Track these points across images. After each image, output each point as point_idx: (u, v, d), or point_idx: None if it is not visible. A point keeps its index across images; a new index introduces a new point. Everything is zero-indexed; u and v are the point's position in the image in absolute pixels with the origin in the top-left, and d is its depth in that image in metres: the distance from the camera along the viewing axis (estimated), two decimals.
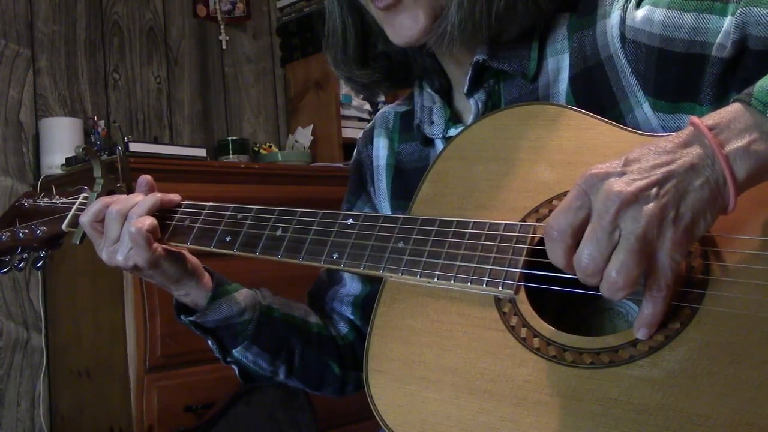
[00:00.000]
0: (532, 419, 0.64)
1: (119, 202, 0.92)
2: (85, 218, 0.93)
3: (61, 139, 2.42)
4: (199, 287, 0.96)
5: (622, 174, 0.58)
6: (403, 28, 0.84)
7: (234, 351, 0.99)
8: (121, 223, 0.90)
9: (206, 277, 0.97)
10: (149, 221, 0.89)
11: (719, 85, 0.71)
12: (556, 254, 0.61)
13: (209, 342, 0.99)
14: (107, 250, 0.92)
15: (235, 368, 1.03)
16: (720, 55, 0.70)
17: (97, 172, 1.00)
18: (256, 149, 2.93)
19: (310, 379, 1.04)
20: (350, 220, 0.83)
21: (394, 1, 0.83)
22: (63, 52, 2.64)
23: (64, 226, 0.99)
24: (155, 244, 0.90)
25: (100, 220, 0.93)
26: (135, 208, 0.90)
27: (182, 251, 0.94)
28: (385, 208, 1.04)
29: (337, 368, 1.04)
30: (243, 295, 0.99)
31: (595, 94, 0.80)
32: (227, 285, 0.98)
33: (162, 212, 0.94)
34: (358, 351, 1.05)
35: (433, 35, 0.84)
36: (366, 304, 1.04)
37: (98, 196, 0.98)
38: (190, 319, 0.96)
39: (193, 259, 0.97)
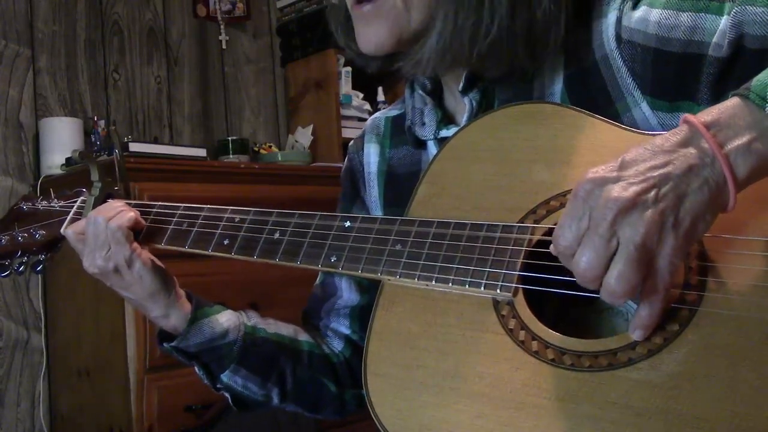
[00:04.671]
0: (530, 423, 0.64)
1: (101, 211, 0.94)
2: (69, 229, 0.96)
3: (61, 139, 2.41)
4: (177, 308, 0.94)
5: (618, 179, 0.57)
6: (366, 39, 0.85)
7: (222, 376, 0.97)
8: (104, 226, 0.91)
9: (184, 300, 0.96)
10: (129, 215, 0.92)
11: (716, 84, 0.70)
12: (571, 268, 0.60)
13: (196, 369, 0.97)
14: (88, 255, 0.93)
15: (228, 396, 1.00)
16: (717, 54, 0.69)
17: (95, 176, 1.00)
18: (256, 149, 2.93)
19: (306, 400, 1.02)
20: (347, 223, 0.82)
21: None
22: (63, 51, 2.63)
23: (62, 230, 0.99)
24: (135, 244, 0.91)
25: (83, 231, 0.94)
26: (117, 212, 0.93)
27: (162, 267, 0.95)
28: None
29: (333, 387, 1.01)
30: (226, 316, 0.97)
31: (590, 93, 0.80)
32: (207, 307, 0.97)
33: (157, 217, 0.95)
34: (355, 367, 1.02)
35: (409, 61, 0.84)
36: (363, 315, 1.02)
37: (96, 199, 0.99)
38: (172, 344, 0.95)
39: (173, 280, 0.96)
